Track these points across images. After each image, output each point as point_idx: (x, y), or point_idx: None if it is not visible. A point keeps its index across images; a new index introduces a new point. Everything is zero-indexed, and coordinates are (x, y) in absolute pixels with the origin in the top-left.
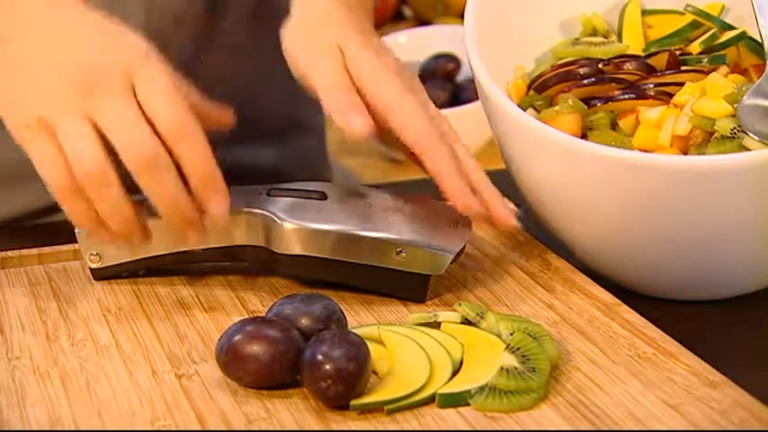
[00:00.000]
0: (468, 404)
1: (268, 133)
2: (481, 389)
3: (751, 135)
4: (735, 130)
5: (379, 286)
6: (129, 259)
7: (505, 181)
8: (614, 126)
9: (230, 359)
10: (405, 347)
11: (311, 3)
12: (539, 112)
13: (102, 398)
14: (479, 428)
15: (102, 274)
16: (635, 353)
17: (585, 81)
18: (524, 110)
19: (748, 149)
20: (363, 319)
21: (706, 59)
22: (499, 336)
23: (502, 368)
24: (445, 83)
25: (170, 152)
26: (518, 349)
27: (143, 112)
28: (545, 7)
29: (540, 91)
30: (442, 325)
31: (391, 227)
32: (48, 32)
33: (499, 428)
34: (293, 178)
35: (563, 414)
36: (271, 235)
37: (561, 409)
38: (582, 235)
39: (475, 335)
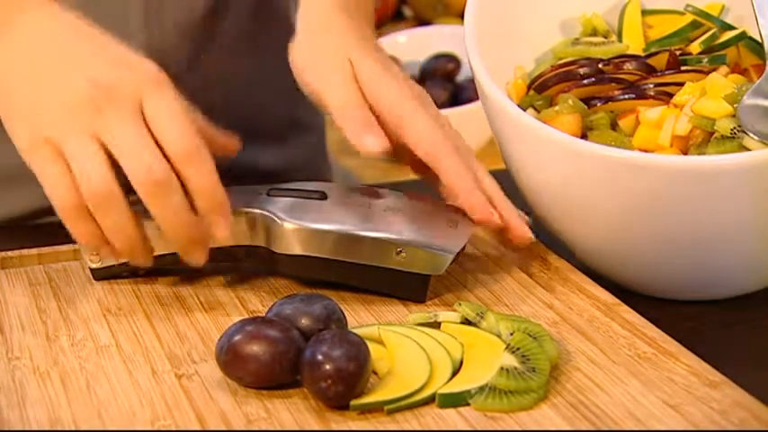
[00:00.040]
0: (468, 404)
1: (268, 133)
2: (481, 389)
3: (751, 135)
4: (735, 130)
5: (379, 286)
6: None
7: (505, 181)
8: (614, 126)
9: (230, 359)
10: (405, 347)
11: (313, 12)
12: (539, 112)
13: (102, 398)
14: (479, 428)
15: (102, 274)
16: (635, 353)
17: (585, 81)
18: (524, 110)
19: (748, 149)
20: (363, 319)
21: (706, 59)
22: (499, 336)
23: (502, 368)
24: (445, 83)
25: (177, 174)
26: (518, 349)
27: (151, 134)
28: (545, 7)
29: (540, 91)
30: (442, 325)
31: (391, 227)
32: (57, 50)
33: (499, 428)
34: (293, 178)
35: (563, 414)
36: (271, 235)
37: (561, 409)
38: (582, 235)
39: (475, 335)
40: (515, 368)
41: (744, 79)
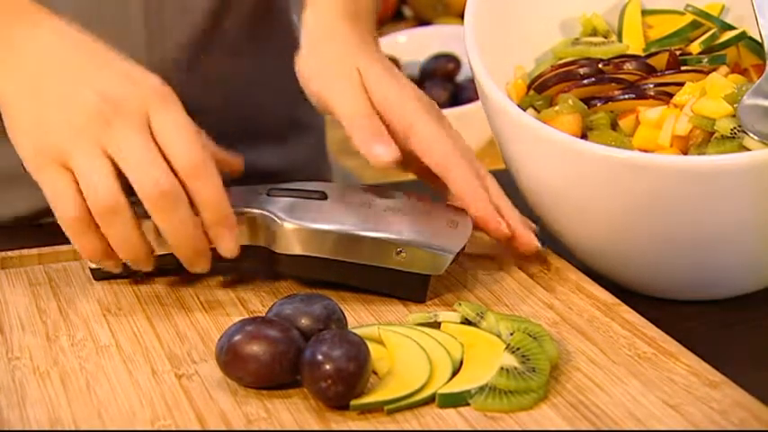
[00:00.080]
0: (468, 404)
1: (268, 133)
2: (481, 389)
3: (751, 135)
4: (735, 130)
5: (379, 286)
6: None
7: (505, 181)
8: (614, 126)
9: (230, 359)
10: (405, 347)
11: (318, 21)
12: (539, 112)
13: (102, 398)
14: (479, 428)
15: (102, 275)
16: (635, 353)
17: (585, 81)
18: (524, 110)
19: (748, 149)
20: (363, 319)
21: (706, 59)
22: (499, 336)
23: (502, 368)
24: (445, 83)
25: (183, 187)
26: (518, 349)
27: (158, 148)
28: (545, 7)
29: (540, 91)
30: (442, 325)
31: (391, 227)
32: (61, 65)
33: (499, 428)
34: (293, 178)
35: (563, 414)
36: (271, 235)
37: (561, 409)
38: (582, 235)
39: (475, 335)
40: (515, 368)
41: (744, 79)
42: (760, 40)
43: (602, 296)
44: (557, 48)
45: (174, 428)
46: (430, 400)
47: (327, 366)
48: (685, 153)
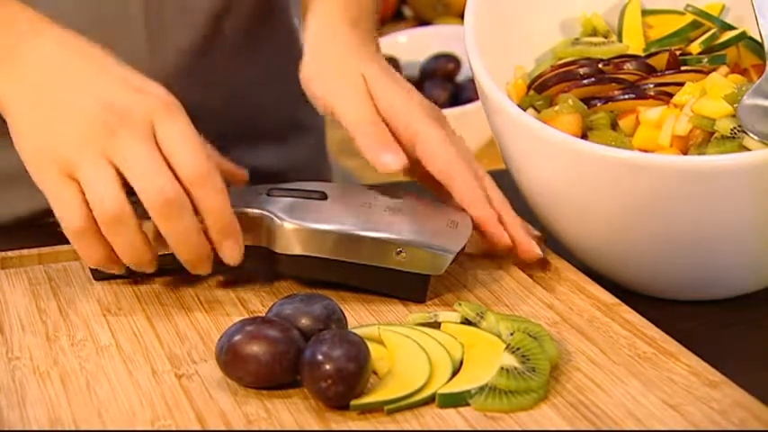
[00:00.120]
0: (468, 404)
1: (268, 133)
2: (481, 389)
3: (751, 135)
4: (735, 130)
5: (379, 286)
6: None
7: (505, 181)
8: (614, 126)
9: (230, 359)
10: (405, 347)
11: (321, 28)
12: (539, 112)
13: (102, 398)
14: (479, 428)
15: (102, 275)
16: (635, 353)
17: (585, 81)
18: (524, 110)
19: (748, 149)
20: (363, 319)
21: (706, 59)
22: (499, 336)
23: (502, 368)
24: (445, 83)
25: (188, 196)
26: (518, 349)
27: (163, 157)
28: (545, 7)
29: (540, 91)
30: (442, 325)
31: (391, 227)
32: (64, 74)
33: (499, 428)
34: (293, 178)
35: (563, 414)
36: (271, 235)
37: (561, 409)
38: (582, 235)
39: (475, 335)
40: (515, 368)
41: (744, 79)
42: (760, 40)
43: (602, 296)
44: (557, 48)
45: (174, 428)
46: (430, 400)
47: (327, 366)
48: (685, 153)
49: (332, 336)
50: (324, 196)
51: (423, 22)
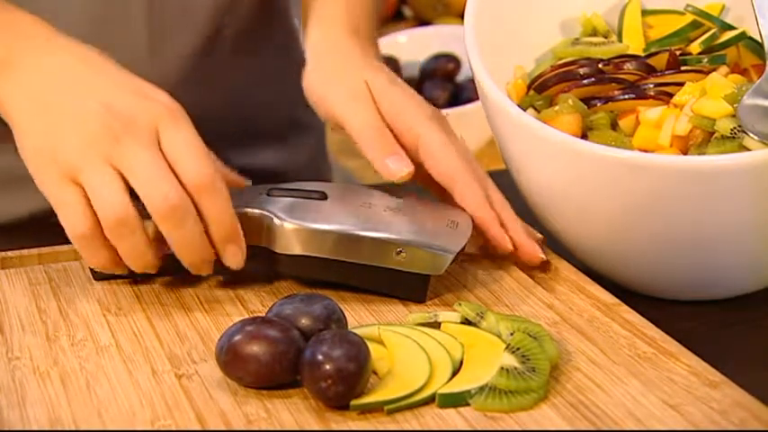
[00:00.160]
0: (468, 404)
1: (268, 133)
2: (481, 389)
3: (751, 135)
4: (735, 130)
5: (379, 286)
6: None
7: (505, 181)
8: (614, 126)
9: (230, 359)
10: (405, 347)
11: (323, 36)
12: (539, 112)
13: (102, 398)
14: (479, 428)
15: (102, 275)
16: (635, 353)
17: (585, 81)
18: (524, 110)
19: (748, 149)
20: (363, 319)
21: (706, 59)
22: (499, 336)
23: (502, 368)
24: (445, 83)
25: (192, 202)
26: (518, 349)
27: (167, 164)
28: (545, 7)
29: (540, 91)
30: (442, 325)
31: (391, 227)
32: (67, 81)
33: (499, 428)
34: (293, 178)
35: (563, 414)
36: (271, 235)
37: (561, 409)
38: (582, 235)
39: (475, 335)
40: (515, 368)
41: (744, 79)
42: (760, 40)
43: (602, 296)
44: (557, 48)
45: (174, 428)
46: (430, 400)
47: (327, 366)
48: (685, 153)
49: (332, 336)
50: (324, 196)
51: (423, 22)
